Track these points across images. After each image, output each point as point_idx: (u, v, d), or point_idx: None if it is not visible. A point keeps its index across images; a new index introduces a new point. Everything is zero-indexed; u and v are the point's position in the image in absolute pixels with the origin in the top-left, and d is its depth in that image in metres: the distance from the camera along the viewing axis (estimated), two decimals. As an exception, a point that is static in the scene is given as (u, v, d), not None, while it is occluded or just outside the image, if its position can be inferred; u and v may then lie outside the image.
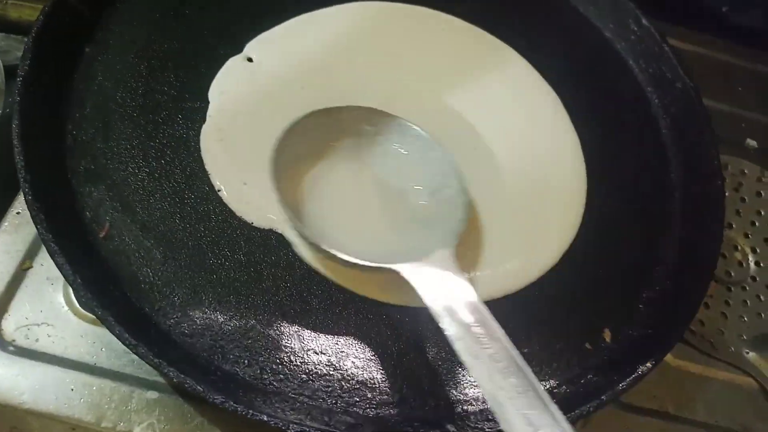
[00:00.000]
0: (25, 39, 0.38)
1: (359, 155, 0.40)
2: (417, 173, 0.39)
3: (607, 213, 0.43)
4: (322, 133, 0.39)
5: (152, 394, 0.37)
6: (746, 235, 0.49)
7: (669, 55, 0.48)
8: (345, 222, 0.38)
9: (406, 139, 0.39)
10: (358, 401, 0.35)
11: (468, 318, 0.32)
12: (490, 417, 0.35)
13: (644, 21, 0.49)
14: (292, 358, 0.35)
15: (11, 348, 0.37)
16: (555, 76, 0.47)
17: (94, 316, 0.38)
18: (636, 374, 0.36)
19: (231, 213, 0.38)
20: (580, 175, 0.45)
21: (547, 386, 0.37)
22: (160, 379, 0.38)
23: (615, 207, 0.44)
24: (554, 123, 0.46)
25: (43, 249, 0.39)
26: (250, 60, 0.43)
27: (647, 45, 0.49)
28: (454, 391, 0.36)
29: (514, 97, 0.47)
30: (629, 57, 0.50)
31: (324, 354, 0.36)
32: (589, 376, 0.38)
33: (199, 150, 0.40)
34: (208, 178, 0.39)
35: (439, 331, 0.32)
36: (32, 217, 0.34)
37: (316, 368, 0.35)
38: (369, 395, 0.35)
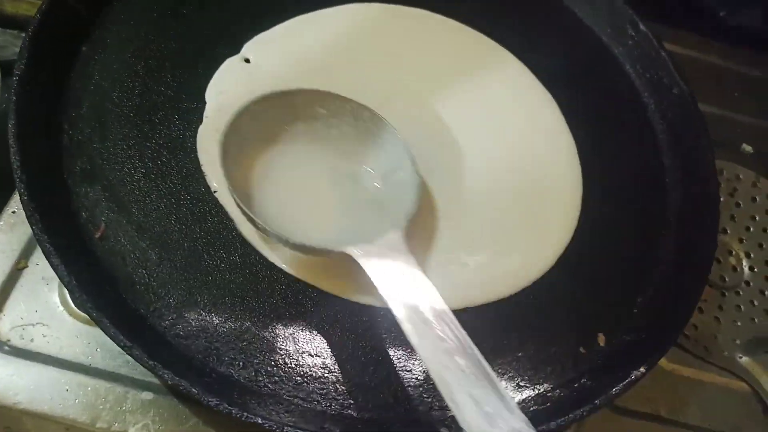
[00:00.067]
0: (22, 35, 0.38)
1: (313, 139, 0.39)
2: (370, 156, 0.39)
3: (602, 217, 0.44)
4: (275, 117, 0.38)
5: (147, 395, 0.37)
6: (740, 240, 0.49)
7: (666, 61, 0.48)
8: (298, 207, 0.38)
9: (360, 122, 0.39)
10: (352, 404, 0.35)
11: (416, 299, 0.32)
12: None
13: (641, 26, 0.49)
14: (287, 360, 0.35)
15: (6, 348, 0.37)
16: (552, 79, 0.48)
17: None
18: (630, 379, 0.36)
19: (227, 214, 0.38)
20: (576, 179, 0.45)
21: (541, 390, 0.38)
22: (155, 380, 0.38)
23: (610, 211, 0.44)
24: (550, 126, 0.46)
25: (39, 248, 0.39)
26: (247, 61, 0.43)
27: (644, 50, 0.49)
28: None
29: (510, 99, 0.47)
30: (626, 62, 0.51)
31: (319, 356, 0.36)
32: (583, 380, 0.38)
33: (195, 151, 0.39)
34: (204, 179, 0.39)
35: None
36: (27, 217, 0.34)
37: (310, 371, 0.35)
38: (363, 398, 0.35)
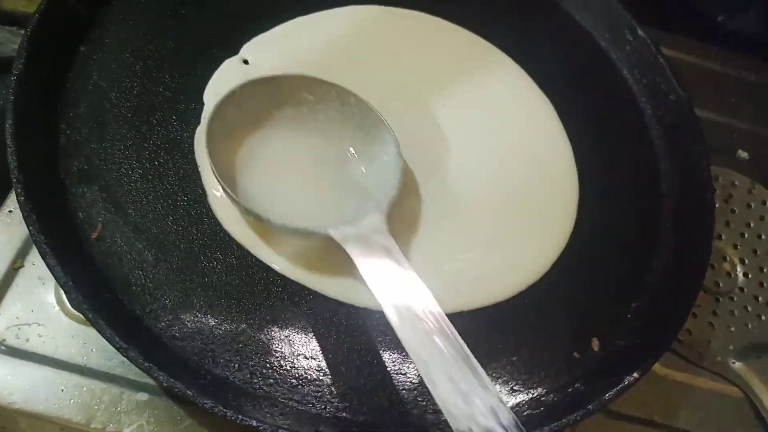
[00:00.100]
0: (20, 31, 0.38)
1: (300, 123, 0.40)
2: (356, 141, 0.40)
3: (597, 222, 0.44)
4: (261, 102, 0.39)
5: (142, 396, 0.37)
6: (735, 246, 0.50)
7: (663, 67, 0.48)
8: (282, 191, 0.38)
9: (346, 107, 0.39)
10: (347, 407, 0.35)
11: (396, 281, 0.32)
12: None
13: (640, 31, 0.49)
14: (282, 362, 0.35)
15: (1, 348, 0.37)
16: (549, 83, 0.48)
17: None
18: (623, 384, 0.36)
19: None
20: (572, 183, 0.45)
21: (535, 394, 0.38)
22: (151, 381, 0.38)
23: (606, 216, 0.44)
24: (547, 130, 0.47)
25: (35, 248, 0.39)
26: (246, 62, 0.43)
27: (642, 55, 0.49)
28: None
29: (507, 102, 0.47)
30: (624, 67, 0.51)
31: (314, 359, 0.36)
32: (576, 385, 0.38)
33: (193, 152, 0.40)
34: (202, 181, 0.39)
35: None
36: (24, 217, 0.34)
37: (306, 373, 0.35)
38: (358, 401, 0.35)
